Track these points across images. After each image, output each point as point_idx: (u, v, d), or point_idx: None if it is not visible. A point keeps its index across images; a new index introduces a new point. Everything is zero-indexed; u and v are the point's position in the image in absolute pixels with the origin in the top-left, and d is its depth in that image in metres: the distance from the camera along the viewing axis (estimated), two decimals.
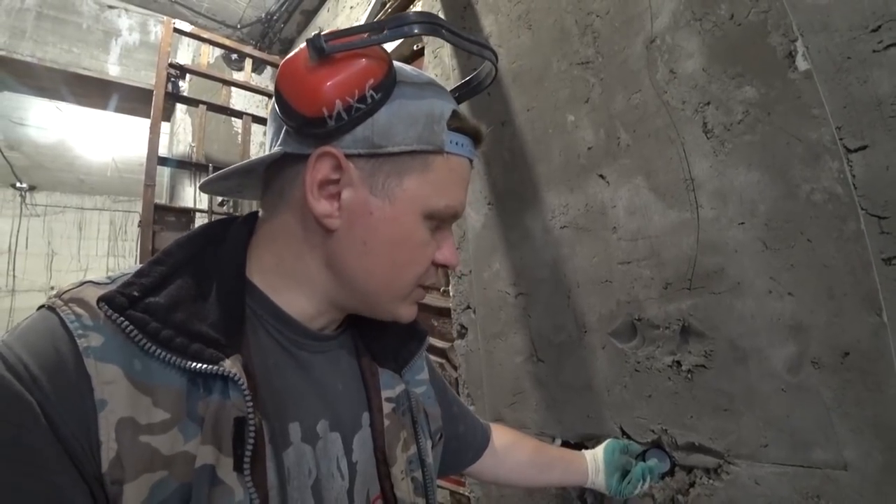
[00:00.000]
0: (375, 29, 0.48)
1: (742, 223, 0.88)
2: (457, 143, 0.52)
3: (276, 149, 0.51)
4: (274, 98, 0.51)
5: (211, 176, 0.56)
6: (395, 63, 0.52)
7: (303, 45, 0.48)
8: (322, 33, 0.47)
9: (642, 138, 1.04)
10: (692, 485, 0.95)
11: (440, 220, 0.54)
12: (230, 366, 0.44)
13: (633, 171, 1.06)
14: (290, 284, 0.54)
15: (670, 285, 0.99)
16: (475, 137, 0.55)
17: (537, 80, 1.29)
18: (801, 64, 0.80)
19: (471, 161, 0.56)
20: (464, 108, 1.45)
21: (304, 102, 0.47)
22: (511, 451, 0.91)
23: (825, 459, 0.78)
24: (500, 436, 0.92)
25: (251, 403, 0.44)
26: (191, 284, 0.49)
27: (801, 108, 0.81)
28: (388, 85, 0.48)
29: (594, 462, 0.95)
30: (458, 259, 0.59)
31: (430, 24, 0.48)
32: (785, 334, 0.83)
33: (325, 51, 0.46)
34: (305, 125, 0.48)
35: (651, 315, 1.02)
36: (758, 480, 0.86)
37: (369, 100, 0.47)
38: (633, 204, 1.06)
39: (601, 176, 1.13)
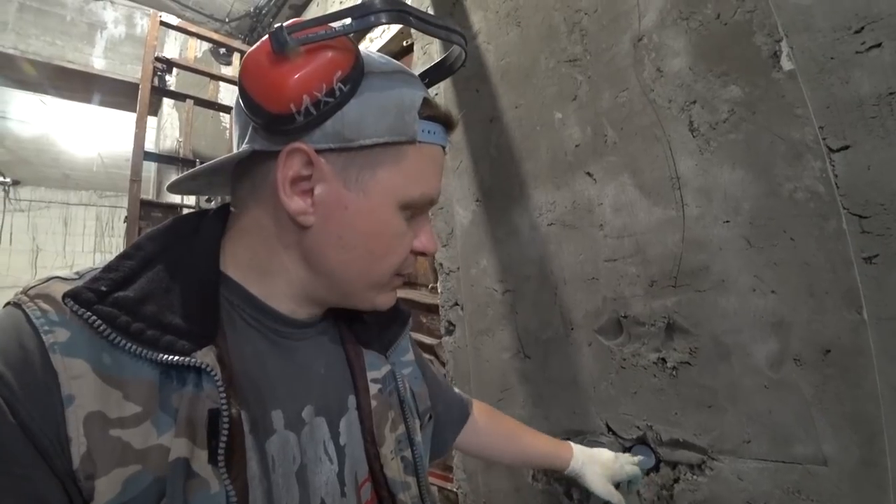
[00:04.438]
0: (340, 18, 0.47)
1: (727, 221, 0.89)
2: (429, 132, 0.51)
3: (244, 147, 0.50)
4: (238, 94, 0.49)
5: (178, 176, 0.56)
6: (363, 52, 0.51)
7: (265, 37, 0.46)
8: (284, 24, 0.45)
9: (629, 136, 1.05)
10: (676, 480, 0.96)
11: (416, 209, 0.53)
12: (203, 356, 0.43)
13: (619, 168, 1.06)
14: (265, 279, 0.53)
15: (656, 282, 1.00)
16: (447, 124, 0.54)
17: (525, 77, 1.29)
18: (786, 64, 0.81)
19: (444, 148, 0.55)
20: (451, 103, 1.45)
21: (271, 99, 0.46)
22: (491, 424, 0.91)
23: (805, 454, 0.79)
24: (482, 410, 0.91)
25: (224, 394, 0.43)
26: (162, 277, 0.48)
27: (785, 108, 0.81)
28: (356, 76, 0.47)
29: (582, 454, 0.94)
30: (436, 245, 0.57)
31: (396, 11, 0.47)
32: (767, 331, 0.84)
33: (289, 44, 0.44)
34: (273, 122, 0.46)
35: (636, 312, 1.03)
36: (740, 476, 0.87)
37: (337, 93, 0.45)
38: (619, 201, 1.07)
39: (588, 173, 1.13)
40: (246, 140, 0.50)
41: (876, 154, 0.73)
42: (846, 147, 0.76)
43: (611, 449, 0.97)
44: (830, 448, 0.77)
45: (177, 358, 0.42)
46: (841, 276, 0.77)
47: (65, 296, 0.42)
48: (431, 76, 0.64)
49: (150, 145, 3.05)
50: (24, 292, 0.43)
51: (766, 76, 0.83)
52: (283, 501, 0.48)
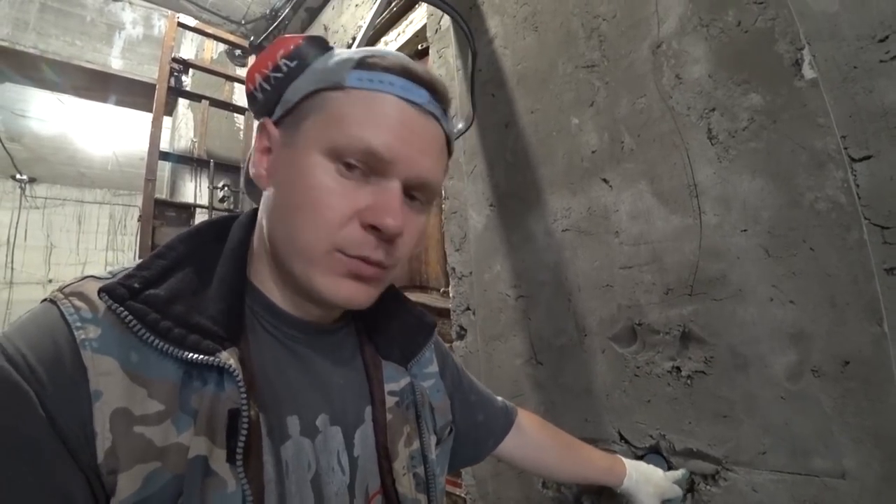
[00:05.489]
0: None
1: (745, 230, 0.88)
2: (370, 80, 0.48)
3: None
4: None
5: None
6: (367, 48, 0.52)
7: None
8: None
9: (646, 143, 1.04)
10: (690, 491, 0.95)
11: (354, 160, 0.47)
12: (226, 357, 0.44)
13: (636, 175, 1.06)
14: (272, 277, 0.54)
15: (672, 291, 0.99)
16: (406, 76, 0.49)
17: (542, 82, 1.29)
18: (808, 72, 0.80)
19: (412, 103, 0.49)
20: (467, 107, 1.44)
21: (246, 88, 0.54)
22: (544, 436, 0.89)
23: (824, 468, 0.78)
24: (533, 422, 0.90)
25: (245, 395, 0.44)
26: (192, 278, 0.49)
27: (807, 117, 0.81)
28: (301, 53, 0.51)
29: (636, 472, 0.92)
30: (395, 220, 0.47)
31: None
32: (786, 342, 0.83)
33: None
34: (250, 105, 0.55)
35: (652, 320, 1.02)
36: (755, 487, 0.85)
37: (284, 68, 0.51)
38: (636, 208, 1.06)
39: (604, 180, 1.13)
40: None
41: None
42: (868, 157, 0.75)
43: (623, 458, 0.96)
44: (850, 462, 0.76)
45: (201, 357, 0.43)
46: (862, 288, 0.76)
47: (100, 291, 0.43)
48: None
49: (164, 145, 3.09)
50: (60, 290, 0.45)
51: (787, 84, 0.83)
52: None
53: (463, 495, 1.53)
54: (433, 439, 0.63)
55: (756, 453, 0.86)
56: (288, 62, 0.51)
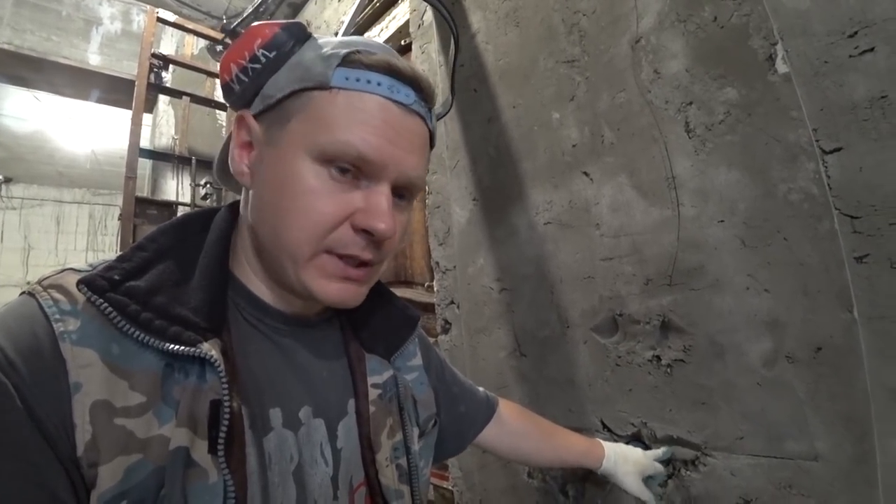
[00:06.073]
0: None
1: (721, 221, 0.90)
2: (357, 80, 0.47)
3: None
4: None
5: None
6: (351, 39, 0.51)
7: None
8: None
9: (626, 137, 1.06)
10: (670, 476, 0.97)
11: (341, 162, 0.47)
12: (208, 349, 0.44)
13: (616, 169, 1.08)
14: (255, 270, 0.54)
15: (651, 281, 1.01)
16: (391, 74, 0.48)
17: (524, 77, 1.30)
18: (781, 67, 0.82)
19: (398, 103, 0.49)
20: (448, 102, 1.45)
21: (220, 76, 0.52)
22: (524, 424, 0.91)
23: (798, 451, 0.81)
24: (512, 410, 0.91)
25: (227, 386, 0.44)
26: (173, 270, 0.49)
27: (780, 110, 0.83)
28: (279, 43, 0.49)
29: (614, 453, 0.94)
30: (387, 225, 0.47)
31: None
32: (761, 330, 0.85)
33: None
34: (226, 97, 0.52)
35: (632, 311, 1.04)
36: (734, 472, 0.88)
37: (262, 58, 0.49)
38: (616, 201, 1.08)
39: (585, 173, 1.15)
40: None
41: (868, 156, 0.74)
42: (839, 149, 0.77)
43: (602, 441, 0.98)
44: (822, 445, 0.78)
45: (182, 348, 0.43)
46: (833, 276, 0.78)
47: (79, 283, 0.43)
48: None
49: (145, 143, 3.05)
50: (39, 282, 0.44)
51: (761, 79, 0.84)
52: (280, 499, 0.48)
53: (450, 487, 1.55)
54: (416, 431, 0.63)
55: (734, 438, 0.88)
56: (266, 53, 0.49)
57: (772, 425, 0.84)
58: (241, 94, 0.51)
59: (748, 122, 0.87)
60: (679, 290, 0.96)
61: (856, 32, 0.75)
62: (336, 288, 0.50)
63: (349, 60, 0.48)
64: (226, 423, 0.43)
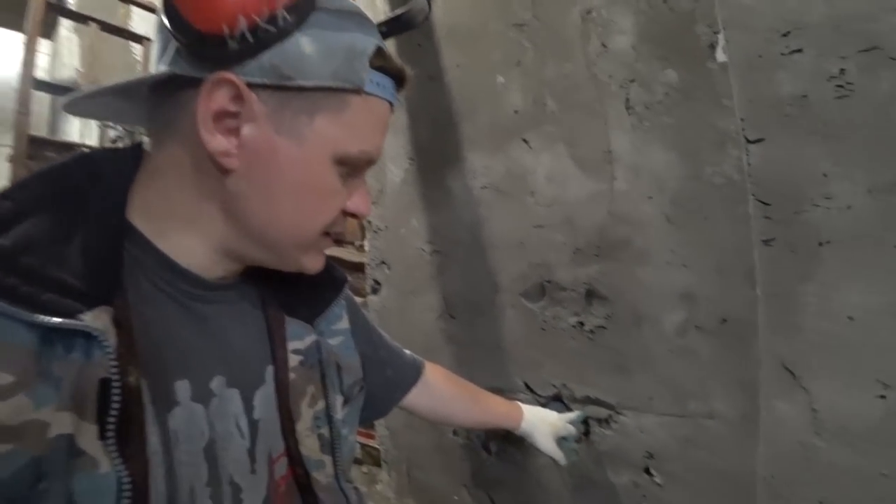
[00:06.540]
0: None
1: (651, 198, 0.95)
2: (378, 84, 0.47)
3: (162, 69, 0.43)
4: (162, 2, 0.41)
5: (75, 92, 0.46)
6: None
7: None
8: None
9: (568, 107, 1.07)
10: (586, 433, 1.05)
11: (353, 167, 0.49)
12: (93, 319, 0.38)
13: (556, 138, 1.09)
14: (178, 229, 0.47)
15: (580, 251, 1.05)
16: (399, 79, 0.50)
17: (472, 37, 1.27)
18: (720, 56, 0.86)
19: (391, 105, 0.51)
20: (391, 52, 1.38)
21: (200, 14, 0.40)
22: (450, 387, 0.94)
23: (698, 410, 0.90)
24: (439, 374, 0.93)
25: (115, 362, 0.38)
26: (51, 224, 0.41)
27: (715, 98, 0.87)
28: (304, 8, 0.41)
29: (532, 415, 1.00)
30: (370, 209, 0.56)
31: None
32: (676, 302, 0.93)
33: None
34: (199, 43, 0.40)
35: (560, 278, 1.09)
36: (642, 429, 0.97)
37: (281, 22, 0.40)
38: (552, 171, 1.10)
39: (525, 140, 1.15)
40: (167, 62, 0.43)
41: (785, 150, 0.81)
42: (761, 140, 0.84)
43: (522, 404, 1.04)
44: (719, 405, 0.88)
45: (57, 320, 0.36)
46: (743, 257, 0.86)
47: None
48: (389, 27, 0.59)
49: (42, 73, 2.60)
50: None
51: (702, 65, 0.89)
52: (188, 479, 0.44)
53: (377, 446, 1.56)
54: (340, 399, 0.61)
55: (645, 399, 0.96)
56: (287, 16, 0.40)
57: (678, 387, 0.92)
58: (234, 54, 0.41)
59: (685, 106, 0.91)
60: (605, 261, 1.01)
61: (789, 32, 0.80)
62: (319, 260, 0.55)
63: (376, 65, 0.47)
64: (116, 404, 0.37)
